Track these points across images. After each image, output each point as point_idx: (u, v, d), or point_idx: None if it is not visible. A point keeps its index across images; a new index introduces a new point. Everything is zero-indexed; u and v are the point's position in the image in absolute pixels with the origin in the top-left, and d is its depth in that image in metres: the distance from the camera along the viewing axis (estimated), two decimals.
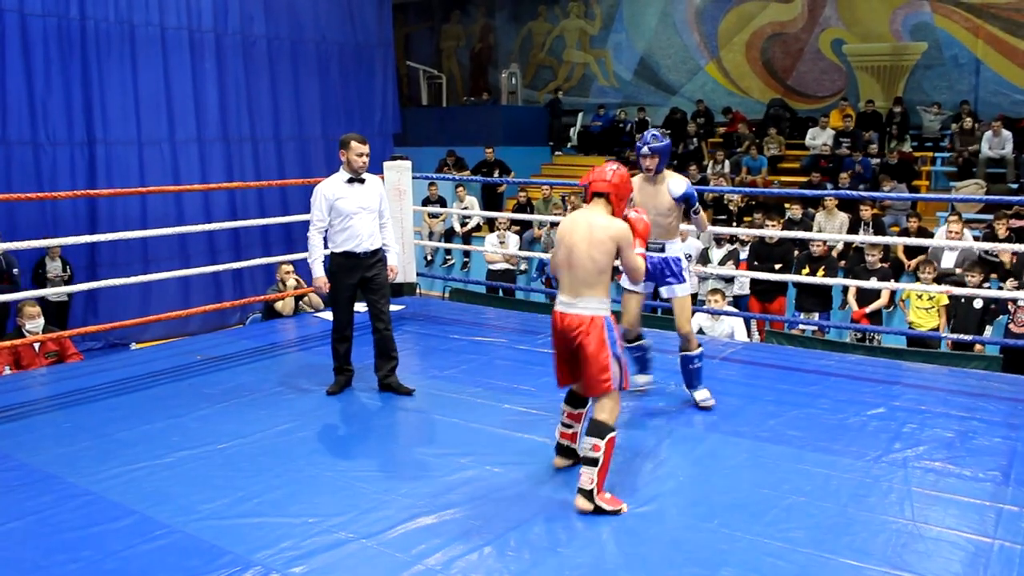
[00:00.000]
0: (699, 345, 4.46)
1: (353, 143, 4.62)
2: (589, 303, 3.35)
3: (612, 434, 3.27)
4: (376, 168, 6.90)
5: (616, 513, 3.24)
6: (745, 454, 3.86)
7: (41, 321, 6.46)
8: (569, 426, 3.66)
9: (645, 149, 4.35)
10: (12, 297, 5.94)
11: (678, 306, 4.44)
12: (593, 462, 3.23)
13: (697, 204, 4.49)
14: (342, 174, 4.66)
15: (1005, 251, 7.62)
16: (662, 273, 4.46)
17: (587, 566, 2.90)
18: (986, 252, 8.00)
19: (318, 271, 4.73)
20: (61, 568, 2.88)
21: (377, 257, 4.73)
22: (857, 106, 12.85)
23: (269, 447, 3.97)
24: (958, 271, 7.47)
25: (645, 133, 4.50)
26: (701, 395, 4.48)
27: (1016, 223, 8.74)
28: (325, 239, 4.73)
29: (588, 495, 3.23)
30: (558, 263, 3.46)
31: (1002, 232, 8.07)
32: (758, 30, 14.17)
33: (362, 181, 4.68)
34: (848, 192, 9.58)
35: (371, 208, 4.68)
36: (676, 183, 4.38)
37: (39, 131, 9.85)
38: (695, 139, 13.30)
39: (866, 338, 7.56)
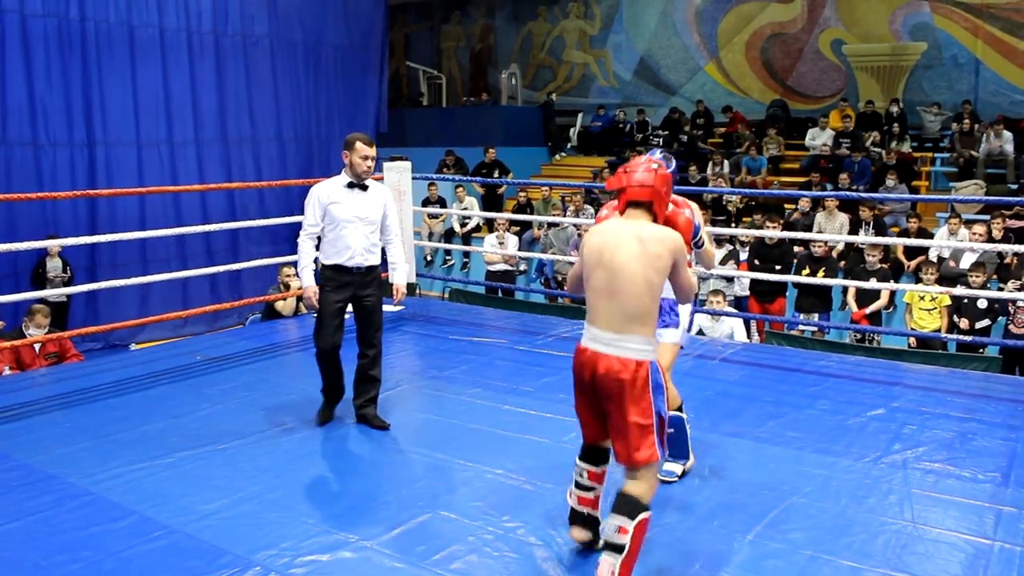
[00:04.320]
0: (679, 406, 3.52)
1: (358, 144, 4.13)
2: (636, 343, 2.60)
3: (645, 514, 2.56)
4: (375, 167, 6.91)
5: None
6: (745, 454, 3.86)
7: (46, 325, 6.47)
8: (590, 488, 2.87)
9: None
10: (14, 298, 5.93)
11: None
12: (618, 549, 2.52)
13: (701, 235, 3.47)
14: (342, 177, 4.20)
15: (1007, 252, 7.61)
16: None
17: (587, 567, 2.89)
18: (998, 254, 7.99)
19: (307, 279, 4.22)
20: (61, 568, 2.88)
21: (372, 276, 4.22)
22: (857, 106, 12.85)
23: (269, 447, 3.97)
24: (971, 274, 7.45)
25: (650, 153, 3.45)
26: (668, 466, 3.53)
27: (1015, 223, 8.74)
28: (317, 247, 4.29)
29: None
30: (593, 288, 2.69)
31: (997, 232, 8.07)
32: (758, 30, 14.17)
33: (364, 188, 4.19)
34: (847, 192, 9.59)
35: (369, 219, 4.17)
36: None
37: (39, 132, 9.86)
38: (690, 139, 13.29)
39: (866, 339, 7.57)
